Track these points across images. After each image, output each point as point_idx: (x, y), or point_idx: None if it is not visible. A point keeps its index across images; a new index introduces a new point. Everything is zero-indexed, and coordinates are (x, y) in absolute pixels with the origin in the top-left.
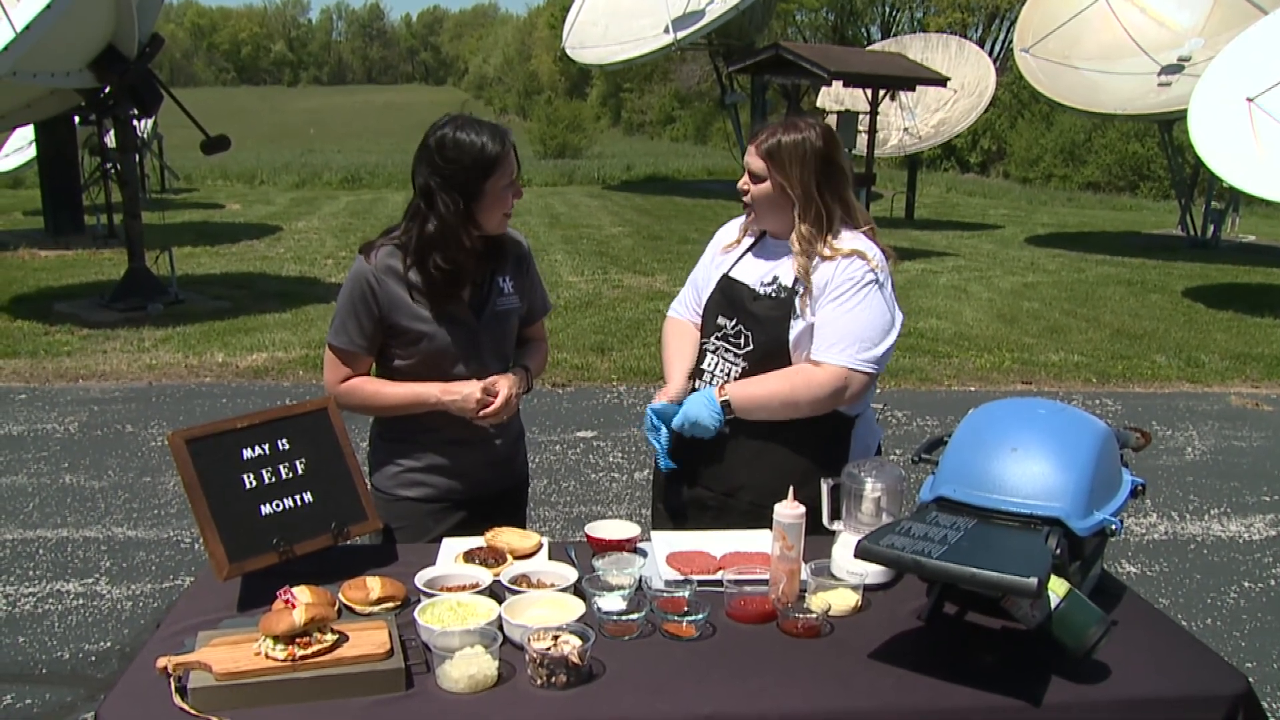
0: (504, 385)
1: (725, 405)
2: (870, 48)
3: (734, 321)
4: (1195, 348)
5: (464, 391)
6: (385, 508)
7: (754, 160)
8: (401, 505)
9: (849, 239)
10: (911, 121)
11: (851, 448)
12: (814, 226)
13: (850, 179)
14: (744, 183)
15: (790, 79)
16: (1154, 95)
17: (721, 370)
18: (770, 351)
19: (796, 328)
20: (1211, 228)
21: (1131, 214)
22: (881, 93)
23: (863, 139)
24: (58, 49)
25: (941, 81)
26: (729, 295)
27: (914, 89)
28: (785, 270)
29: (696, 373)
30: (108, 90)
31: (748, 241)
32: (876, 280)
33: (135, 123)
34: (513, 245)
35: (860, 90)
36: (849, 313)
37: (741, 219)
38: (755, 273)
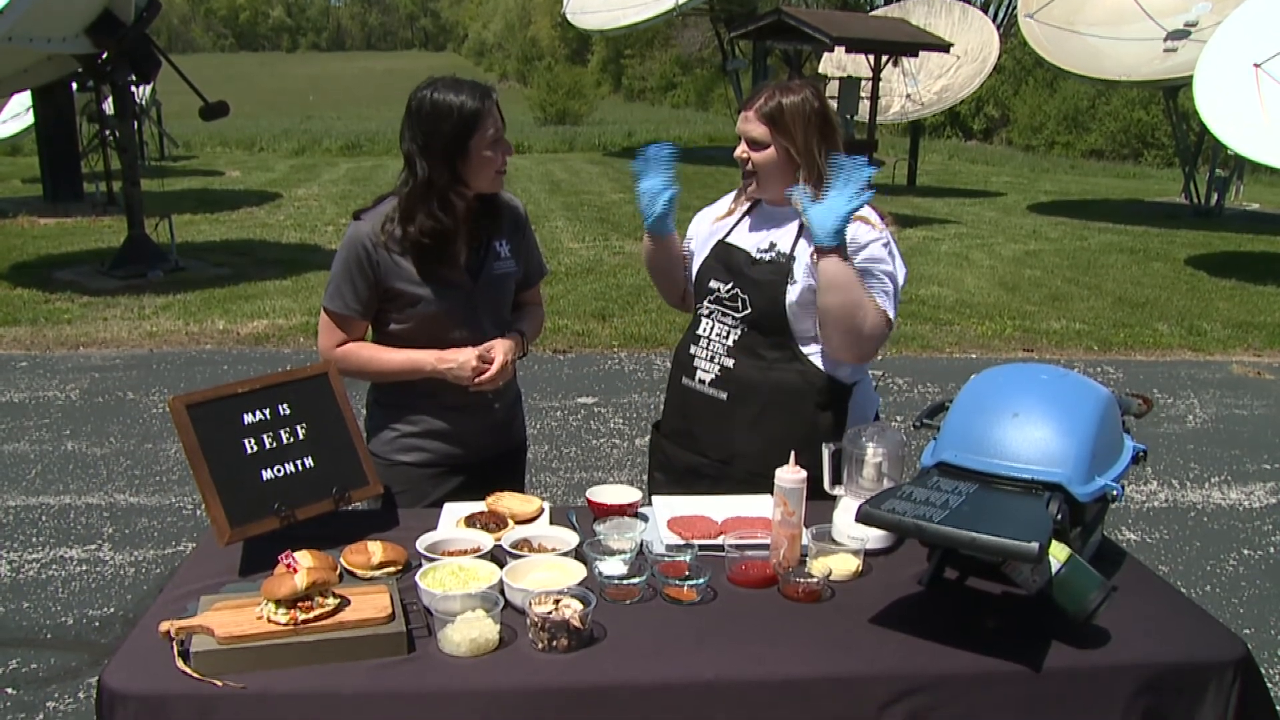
0: (499, 351)
1: (841, 247)
2: (873, 13)
3: (729, 285)
4: (1197, 316)
5: (459, 359)
6: (383, 473)
7: (754, 126)
8: (399, 470)
9: None
10: (914, 88)
11: (849, 415)
12: (815, 188)
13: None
14: (742, 150)
15: (792, 44)
16: (1159, 61)
17: (718, 334)
18: (767, 314)
19: (793, 292)
20: (1215, 195)
21: (1135, 182)
22: (884, 58)
23: (865, 105)
24: (54, 13)
25: (945, 47)
26: (725, 260)
27: (917, 55)
28: (782, 236)
29: (692, 339)
30: (105, 56)
31: (741, 210)
32: (885, 242)
33: (133, 89)
34: (509, 209)
35: (862, 56)
36: (875, 271)
37: (729, 196)
38: (752, 239)
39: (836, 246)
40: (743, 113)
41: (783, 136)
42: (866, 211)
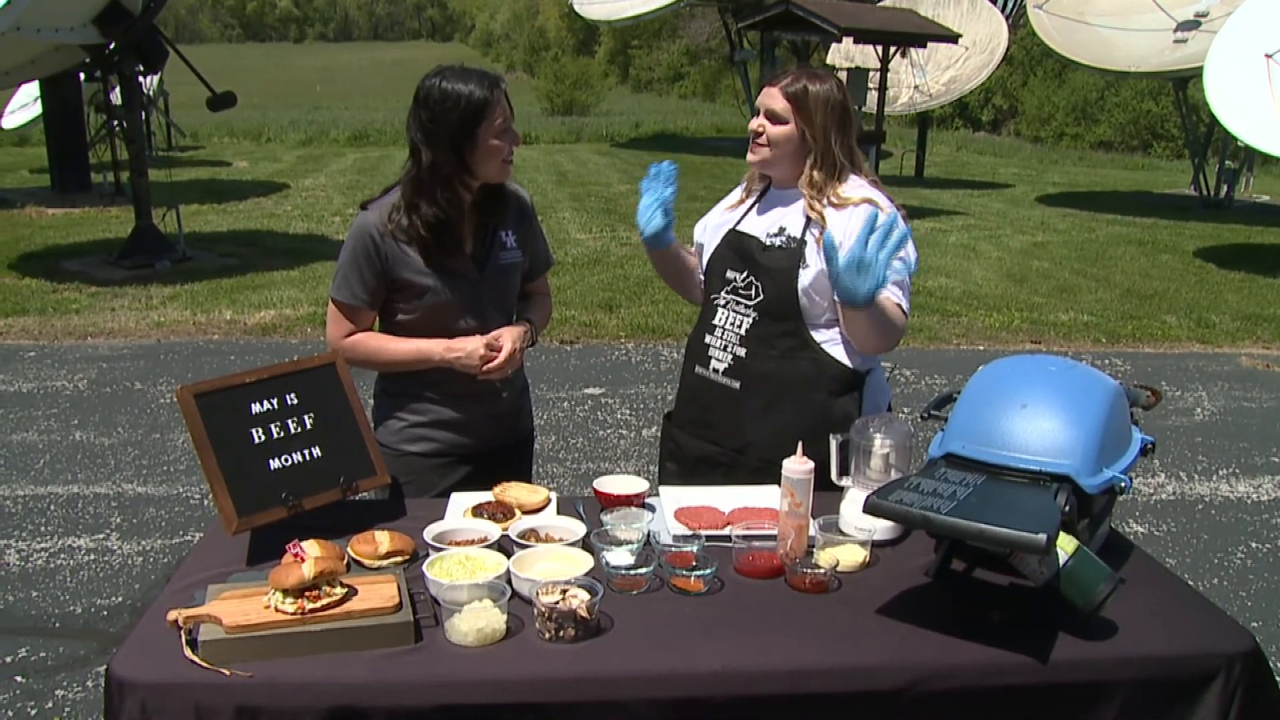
0: (507, 339)
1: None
2: (881, 4)
3: (745, 274)
4: (1206, 308)
5: (467, 348)
6: (390, 463)
7: (776, 101)
8: (406, 460)
9: (856, 187)
10: (922, 79)
11: (863, 405)
12: (825, 174)
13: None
14: (759, 123)
15: (800, 35)
16: (1169, 52)
17: (732, 323)
18: (779, 300)
19: (805, 277)
20: (1225, 187)
21: (1144, 173)
22: (892, 49)
23: (873, 96)
24: (61, 4)
25: (953, 38)
26: (738, 248)
27: (925, 46)
28: (791, 220)
29: (707, 328)
30: (113, 46)
31: (751, 199)
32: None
33: (141, 79)
34: (515, 199)
35: (871, 47)
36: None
37: (740, 188)
38: (762, 225)
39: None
40: (766, 88)
41: (802, 118)
42: (876, 194)
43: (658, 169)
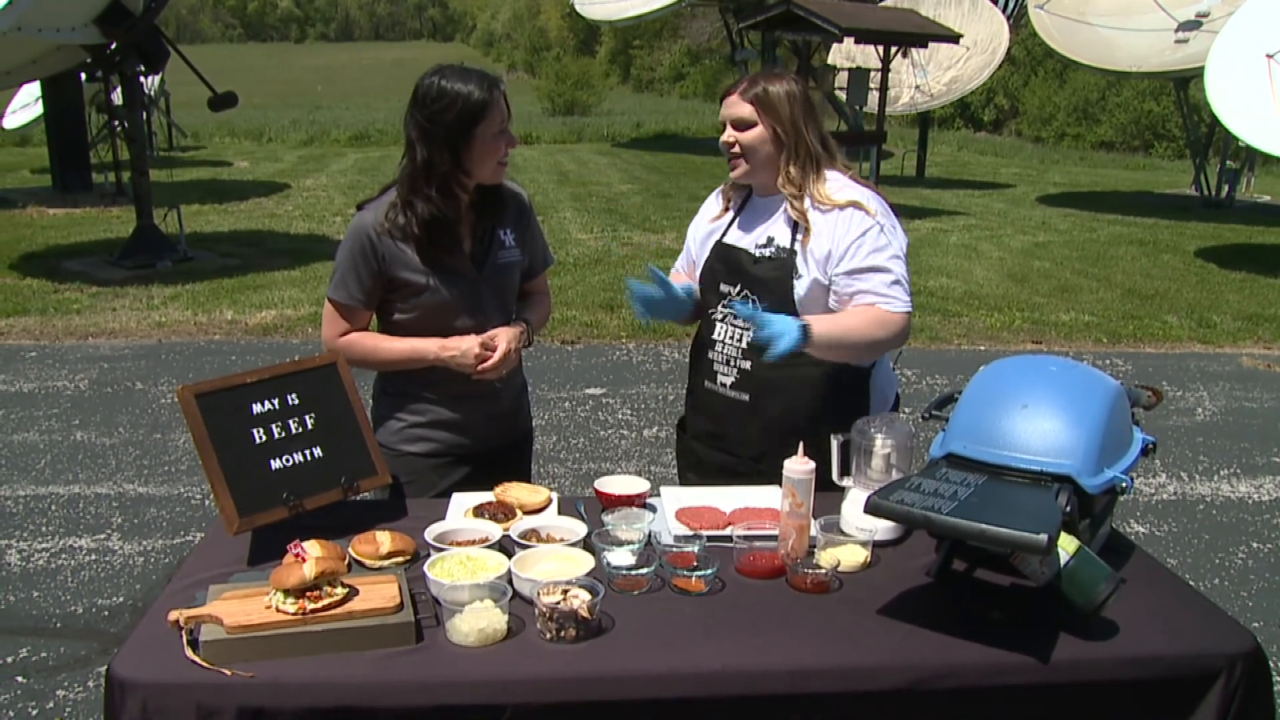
0: (502, 339)
1: (805, 330)
2: (882, 4)
3: (739, 287)
4: (1207, 308)
5: (462, 347)
6: (389, 463)
7: (739, 108)
8: (405, 460)
9: (838, 185)
10: (923, 79)
11: (871, 399)
12: (801, 167)
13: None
14: (729, 135)
15: (801, 35)
16: (1170, 52)
17: (732, 336)
18: (777, 311)
19: (800, 287)
20: (1226, 187)
21: (1145, 173)
22: (893, 49)
23: (874, 96)
24: (63, 4)
25: (954, 38)
26: (728, 261)
27: (926, 46)
28: (778, 230)
29: (708, 343)
30: (114, 46)
31: (733, 208)
32: (881, 226)
33: (142, 79)
34: (513, 197)
35: (872, 47)
36: (880, 264)
37: (718, 193)
38: (748, 236)
39: (803, 343)
40: (725, 99)
41: (769, 116)
42: (862, 194)
43: (631, 294)
